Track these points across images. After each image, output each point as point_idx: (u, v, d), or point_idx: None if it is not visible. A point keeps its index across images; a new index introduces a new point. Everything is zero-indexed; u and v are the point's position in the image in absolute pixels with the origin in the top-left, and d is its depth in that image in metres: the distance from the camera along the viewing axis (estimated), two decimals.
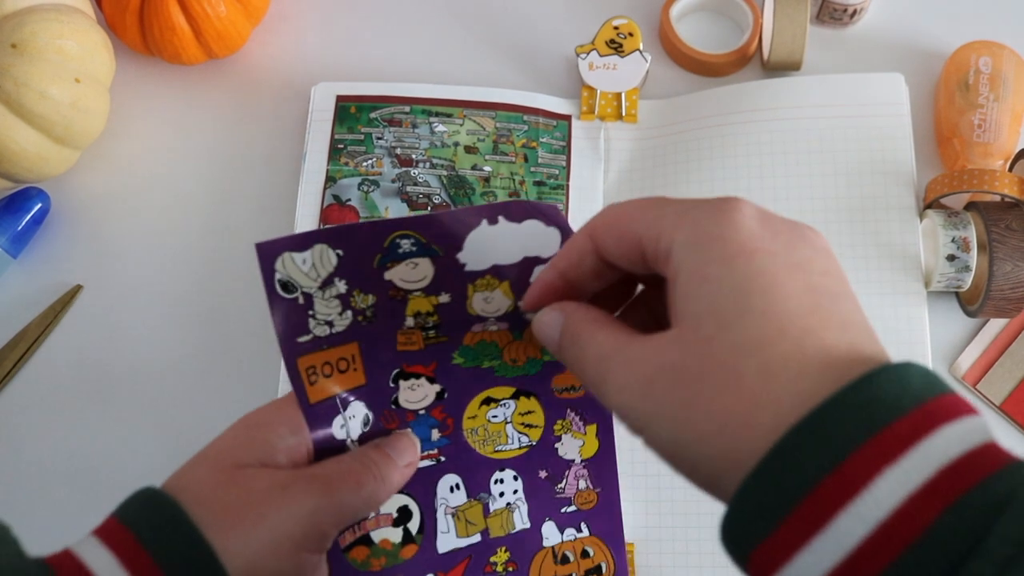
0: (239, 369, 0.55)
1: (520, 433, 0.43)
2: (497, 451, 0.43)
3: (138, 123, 0.61)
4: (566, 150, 0.58)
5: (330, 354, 0.39)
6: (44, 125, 0.53)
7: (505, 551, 0.43)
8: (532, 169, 0.58)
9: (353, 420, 0.40)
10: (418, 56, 0.62)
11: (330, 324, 0.39)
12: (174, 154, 0.60)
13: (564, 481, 0.44)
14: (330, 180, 0.57)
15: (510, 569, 0.43)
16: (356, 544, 0.40)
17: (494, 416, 0.43)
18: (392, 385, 0.41)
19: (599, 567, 0.44)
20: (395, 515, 0.41)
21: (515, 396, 0.43)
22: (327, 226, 0.38)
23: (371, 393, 0.40)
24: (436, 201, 0.57)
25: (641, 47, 0.59)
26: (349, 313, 0.39)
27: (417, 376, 0.41)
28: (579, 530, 0.44)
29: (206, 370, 0.55)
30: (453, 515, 0.42)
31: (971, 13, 0.62)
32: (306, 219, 0.56)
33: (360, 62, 0.62)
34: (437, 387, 0.42)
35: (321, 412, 0.39)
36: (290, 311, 0.38)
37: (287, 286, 0.38)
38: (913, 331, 0.53)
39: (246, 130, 0.61)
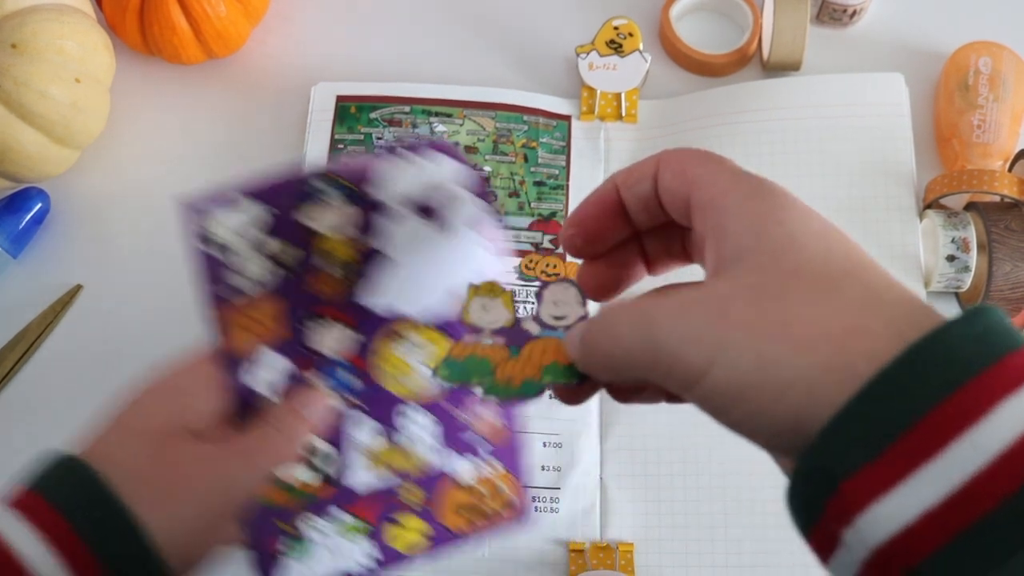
0: None
1: (426, 367, 0.44)
2: (407, 388, 0.44)
3: (138, 123, 0.61)
4: (566, 150, 0.58)
5: (252, 306, 0.40)
6: (44, 125, 0.53)
7: (417, 486, 0.44)
8: (532, 169, 0.58)
9: (272, 370, 0.41)
10: (418, 56, 0.62)
11: (250, 277, 0.40)
12: (174, 153, 0.60)
13: (474, 418, 0.44)
14: None
15: (423, 504, 0.44)
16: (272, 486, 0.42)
17: (402, 353, 0.43)
18: (307, 329, 0.42)
19: (510, 503, 0.45)
20: (307, 455, 0.42)
21: (424, 331, 0.43)
22: (250, 182, 0.40)
23: (289, 341, 0.41)
24: None
25: (641, 47, 0.59)
26: (271, 265, 0.40)
27: (332, 320, 0.42)
28: (490, 466, 0.45)
29: None
30: (368, 455, 0.43)
31: (971, 14, 0.62)
32: None
33: (359, 62, 0.62)
34: (351, 331, 0.42)
35: (241, 363, 0.40)
36: (212, 264, 0.39)
37: (209, 240, 0.39)
38: None
39: (246, 129, 0.61)
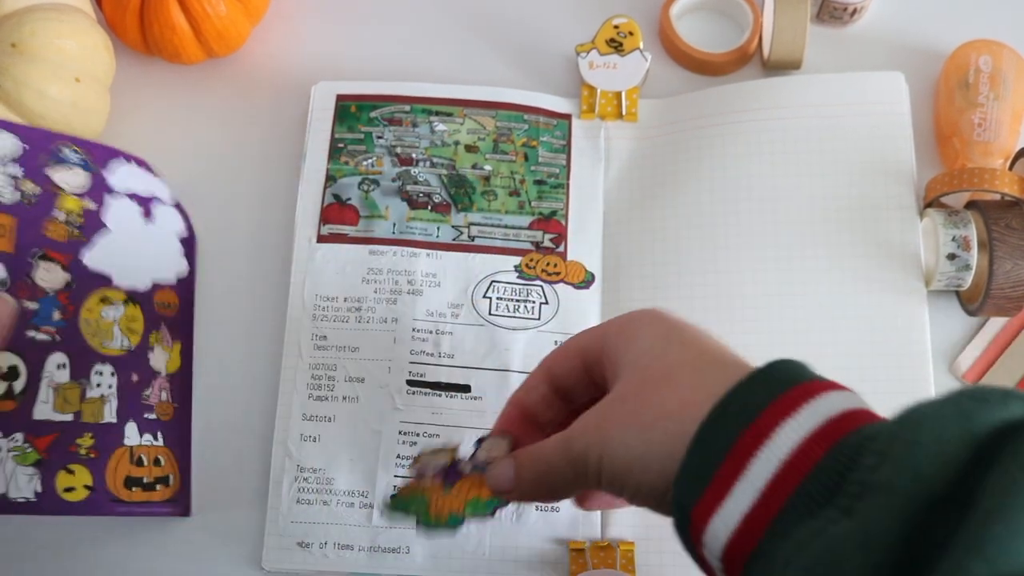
0: (240, 368, 0.55)
1: (123, 335, 0.50)
2: (104, 346, 0.49)
3: (138, 122, 0.61)
4: (566, 149, 0.58)
5: None
6: (44, 124, 0.53)
7: (91, 437, 0.48)
8: (532, 168, 0.58)
9: None
10: (418, 55, 0.62)
11: None
12: (174, 153, 0.60)
13: (150, 388, 0.50)
14: (330, 179, 0.57)
15: (92, 456, 0.47)
16: None
17: (106, 314, 0.50)
18: (31, 262, 0.49)
19: (167, 478, 0.50)
20: (5, 370, 0.46)
21: (126, 301, 0.51)
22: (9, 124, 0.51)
23: (14, 261, 0.48)
24: (436, 200, 0.57)
25: (641, 46, 0.59)
26: (17, 193, 0.49)
27: (55, 261, 0.49)
28: (155, 438, 0.49)
29: (208, 370, 0.55)
30: (55, 389, 0.47)
31: (971, 12, 0.62)
32: (305, 217, 0.56)
33: (360, 61, 0.62)
34: (68, 275, 0.49)
35: None
36: None
37: None
38: (913, 330, 0.53)
39: (246, 129, 0.61)
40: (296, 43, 0.63)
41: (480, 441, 0.44)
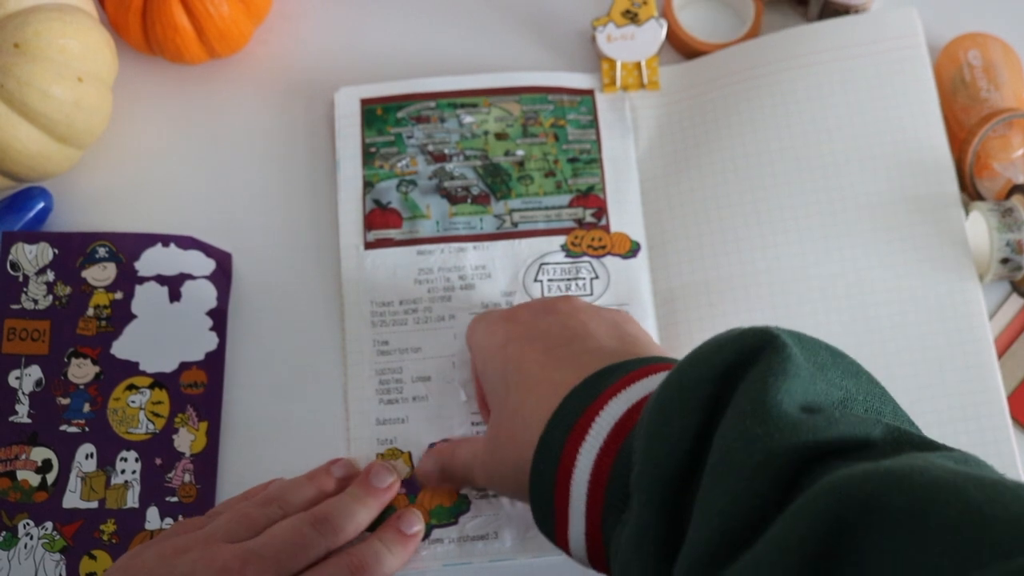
0: (244, 369, 0.55)
1: (149, 420, 0.51)
2: (129, 432, 0.51)
3: (140, 122, 0.61)
4: (594, 124, 0.59)
5: (28, 323, 0.52)
6: (47, 124, 0.53)
7: (113, 523, 0.50)
8: (564, 147, 0.58)
9: (28, 377, 0.52)
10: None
11: (35, 301, 0.53)
12: (176, 153, 0.60)
13: (173, 471, 0.51)
14: (368, 185, 0.57)
15: (114, 541, 0.49)
16: (3, 475, 0.50)
17: (133, 401, 0.52)
18: (66, 360, 0.52)
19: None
20: (39, 464, 0.50)
21: (152, 386, 0.52)
22: (59, 231, 0.55)
23: (49, 362, 0.52)
24: (475, 192, 0.57)
25: (656, 14, 0.59)
26: (51, 297, 0.53)
27: (85, 356, 0.52)
28: (176, 521, 0.50)
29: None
30: (82, 479, 0.50)
31: (957, 9, 0.62)
32: (349, 226, 0.56)
33: (365, 59, 0.62)
34: (97, 368, 0.52)
35: (7, 362, 0.52)
36: (11, 284, 0.53)
37: (14, 266, 0.53)
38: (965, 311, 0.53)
39: (248, 129, 0.60)
40: (298, 43, 0.63)
41: (434, 447, 0.50)
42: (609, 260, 0.55)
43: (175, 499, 0.51)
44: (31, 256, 0.54)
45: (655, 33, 0.59)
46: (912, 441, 0.31)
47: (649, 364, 0.38)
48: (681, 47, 0.61)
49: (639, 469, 0.32)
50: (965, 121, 0.56)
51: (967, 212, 0.55)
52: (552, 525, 0.38)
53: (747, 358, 0.32)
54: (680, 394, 0.32)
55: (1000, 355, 0.53)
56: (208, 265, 0.55)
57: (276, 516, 0.45)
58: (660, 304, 0.55)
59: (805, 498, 0.27)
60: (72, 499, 0.50)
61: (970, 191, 0.56)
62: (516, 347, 0.43)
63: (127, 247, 0.54)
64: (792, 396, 0.31)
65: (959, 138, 0.56)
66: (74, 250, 0.54)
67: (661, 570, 0.31)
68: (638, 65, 0.59)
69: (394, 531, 0.46)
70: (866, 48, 0.57)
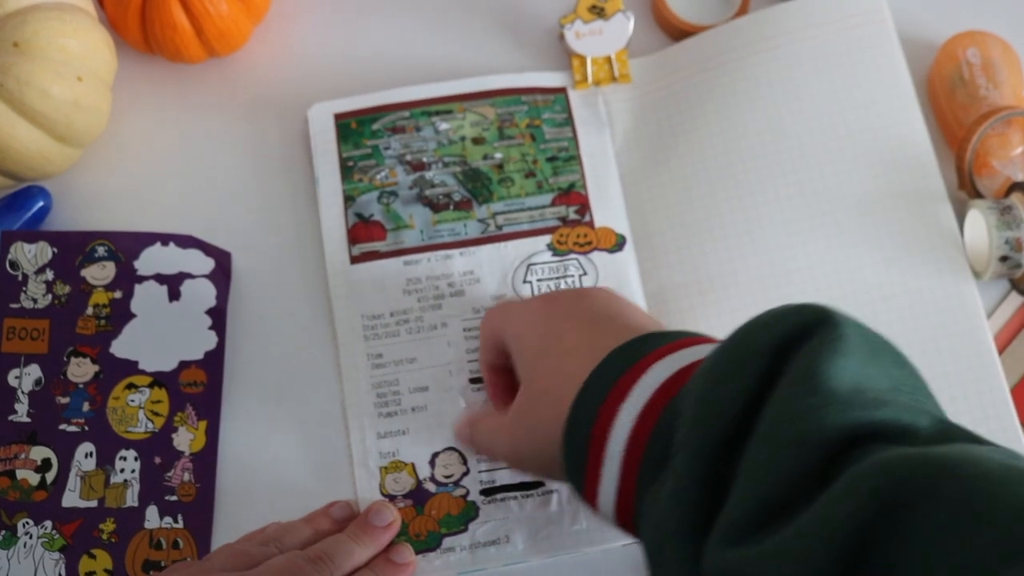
0: (242, 369, 0.55)
1: (148, 419, 0.52)
2: (128, 431, 0.51)
3: (140, 122, 0.61)
4: (569, 121, 0.59)
5: (28, 322, 0.52)
6: (46, 123, 0.53)
7: (113, 522, 0.50)
8: (541, 147, 0.58)
9: (27, 376, 0.52)
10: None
11: (34, 300, 0.53)
12: (175, 152, 0.60)
13: (172, 470, 0.51)
14: (349, 199, 0.57)
15: (113, 540, 0.50)
16: (3, 474, 0.50)
17: (132, 400, 0.52)
18: (65, 360, 0.52)
19: (185, 560, 0.50)
20: (39, 463, 0.50)
21: (151, 385, 0.52)
22: (56, 231, 0.54)
23: (48, 361, 0.52)
24: (457, 199, 0.57)
25: (622, 6, 0.59)
26: (50, 296, 0.53)
27: (84, 355, 0.52)
28: (176, 520, 0.51)
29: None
30: (82, 478, 0.50)
31: (955, 8, 0.61)
32: (334, 242, 0.56)
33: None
34: (97, 367, 0.52)
35: (6, 361, 0.52)
36: (10, 283, 0.53)
37: (14, 265, 0.53)
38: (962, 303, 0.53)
39: (247, 128, 0.60)
40: (298, 42, 0.63)
41: (433, 459, 0.51)
42: (596, 255, 0.55)
43: (174, 498, 0.51)
44: (30, 255, 0.54)
45: (623, 26, 0.59)
46: (961, 434, 0.31)
47: (693, 336, 0.39)
48: (669, 29, 0.61)
49: (688, 428, 0.33)
50: (964, 119, 0.56)
51: (966, 210, 0.55)
52: (582, 480, 0.39)
53: (803, 332, 0.32)
54: (735, 361, 0.32)
55: (1000, 353, 0.53)
56: (207, 264, 0.55)
57: (273, 555, 0.45)
58: (650, 295, 0.55)
59: (853, 475, 0.28)
60: (71, 498, 0.50)
61: (969, 189, 0.56)
62: (557, 322, 0.44)
63: (126, 246, 0.54)
64: (845, 374, 0.31)
65: (958, 136, 0.56)
66: (73, 249, 0.54)
67: (696, 532, 0.31)
68: (608, 59, 0.59)
69: (383, 560, 0.47)
70: (833, 26, 0.57)
